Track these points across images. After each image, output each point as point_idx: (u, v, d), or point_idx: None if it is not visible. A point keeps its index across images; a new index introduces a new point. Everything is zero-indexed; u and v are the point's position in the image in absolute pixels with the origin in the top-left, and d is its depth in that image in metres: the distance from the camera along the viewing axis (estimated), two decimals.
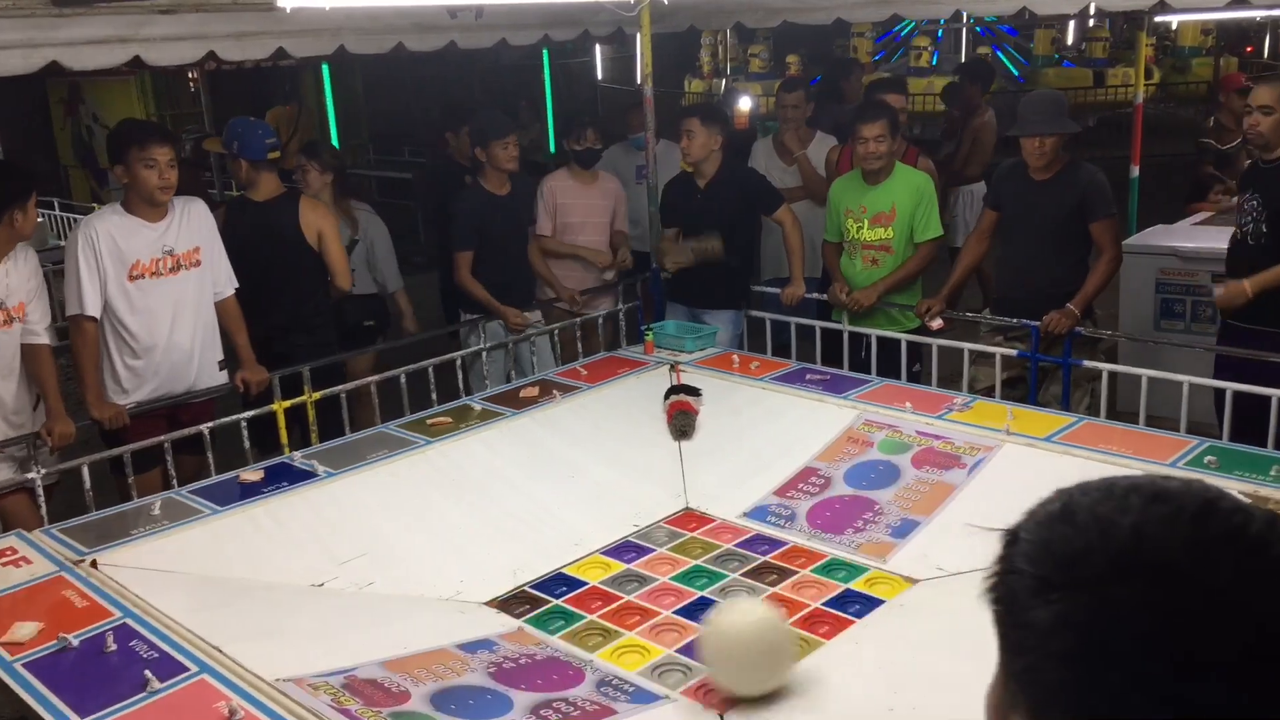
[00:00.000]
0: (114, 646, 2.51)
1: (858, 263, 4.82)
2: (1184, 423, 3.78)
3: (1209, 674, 0.61)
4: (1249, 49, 16.79)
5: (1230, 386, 3.70)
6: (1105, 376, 4.06)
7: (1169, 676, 0.62)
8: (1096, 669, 0.63)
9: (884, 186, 4.75)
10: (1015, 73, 14.55)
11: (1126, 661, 0.63)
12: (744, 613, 2.65)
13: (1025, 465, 3.42)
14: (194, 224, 4.06)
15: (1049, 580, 0.67)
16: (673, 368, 4.38)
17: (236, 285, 4.22)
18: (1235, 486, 3.07)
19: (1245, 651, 0.61)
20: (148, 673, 2.36)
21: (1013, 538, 0.72)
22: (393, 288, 5.48)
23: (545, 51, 10.85)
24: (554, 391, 4.17)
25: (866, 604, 3.03)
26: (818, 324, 4.82)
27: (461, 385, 4.51)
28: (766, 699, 2.54)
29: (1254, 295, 4.02)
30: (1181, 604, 0.63)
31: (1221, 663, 0.61)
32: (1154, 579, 0.64)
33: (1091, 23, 16.06)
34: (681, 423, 4.03)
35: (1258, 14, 16.14)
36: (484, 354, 4.68)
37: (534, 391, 4.18)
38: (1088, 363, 4.19)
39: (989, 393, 4.22)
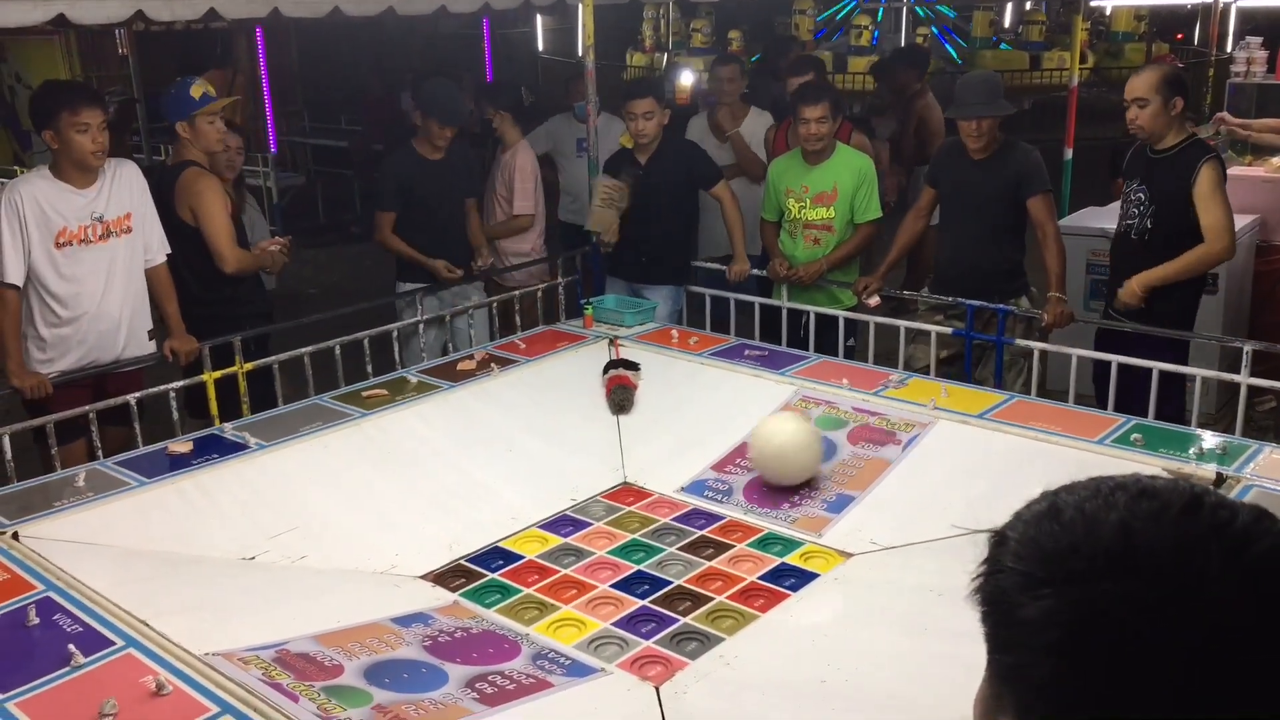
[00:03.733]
0: (36, 620, 2.45)
1: (800, 242, 4.84)
2: (1111, 401, 3.87)
3: (1195, 668, 0.61)
4: (1179, 35, 17.11)
5: (1157, 366, 3.77)
6: (1036, 355, 4.13)
7: (1155, 671, 0.62)
8: (1083, 664, 0.63)
9: (826, 166, 4.77)
10: (954, 54, 14.68)
11: (1113, 656, 0.63)
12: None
13: (957, 442, 3.48)
14: (125, 188, 3.94)
15: (1037, 576, 0.67)
16: (611, 342, 4.37)
17: (169, 251, 4.11)
18: (1160, 463, 3.16)
19: (1230, 646, 0.62)
20: (71, 647, 2.31)
21: (1000, 539, 0.72)
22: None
23: (485, 20, 10.70)
24: (491, 365, 4.14)
25: (801, 578, 3.06)
26: (757, 300, 4.83)
27: (398, 358, 4.45)
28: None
29: (1144, 294, 4.04)
30: (1168, 599, 0.63)
31: (1207, 657, 0.62)
32: (1140, 574, 0.64)
33: (1029, 6, 16.26)
34: (620, 397, 4.02)
35: (1189, 0, 16.49)
36: (420, 327, 4.62)
37: (471, 365, 4.14)
38: (1019, 341, 4.26)
39: (928, 371, 4.27)
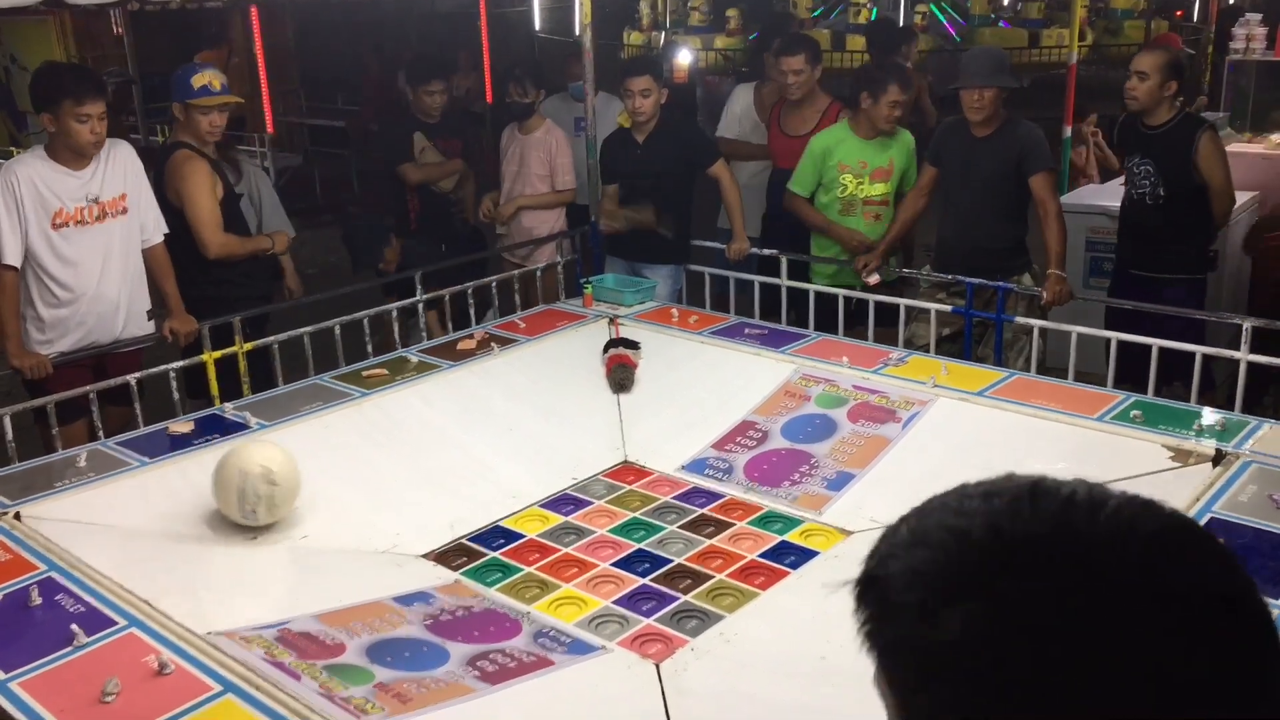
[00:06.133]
0: (39, 600, 2.45)
1: (860, 219, 4.81)
2: (1110, 378, 3.87)
3: (1116, 636, 0.62)
4: (1179, 13, 17.01)
5: (1156, 343, 3.77)
6: (1035, 333, 4.14)
7: (1084, 650, 0.62)
8: (1015, 666, 0.63)
9: (880, 142, 4.76)
10: (952, 32, 14.60)
11: (1039, 654, 0.62)
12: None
13: (958, 419, 3.48)
14: (120, 169, 3.93)
15: (930, 604, 0.66)
16: (612, 321, 4.37)
17: (166, 231, 4.11)
18: (1159, 440, 3.16)
19: (1124, 594, 0.63)
20: (75, 626, 2.32)
21: (868, 582, 0.71)
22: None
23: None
24: (492, 344, 4.14)
25: (801, 555, 3.07)
26: (756, 279, 4.83)
27: (398, 337, 4.44)
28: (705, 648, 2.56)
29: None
30: (1065, 574, 0.64)
31: (1126, 618, 0.62)
32: (1028, 564, 0.65)
33: None
34: (620, 376, 4.02)
35: None
36: (420, 307, 4.60)
37: (471, 344, 4.14)
38: (1019, 319, 4.25)
39: (928, 349, 4.27)
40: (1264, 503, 2.77)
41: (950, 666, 0.64)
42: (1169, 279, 4.42)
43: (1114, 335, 3.91)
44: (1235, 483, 2.89)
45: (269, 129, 10.61)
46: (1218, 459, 3.04)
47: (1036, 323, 4.16)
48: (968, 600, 0.64)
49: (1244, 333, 3.63)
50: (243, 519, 2.96)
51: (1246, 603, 0.65)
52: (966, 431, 3.41)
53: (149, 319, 4.08)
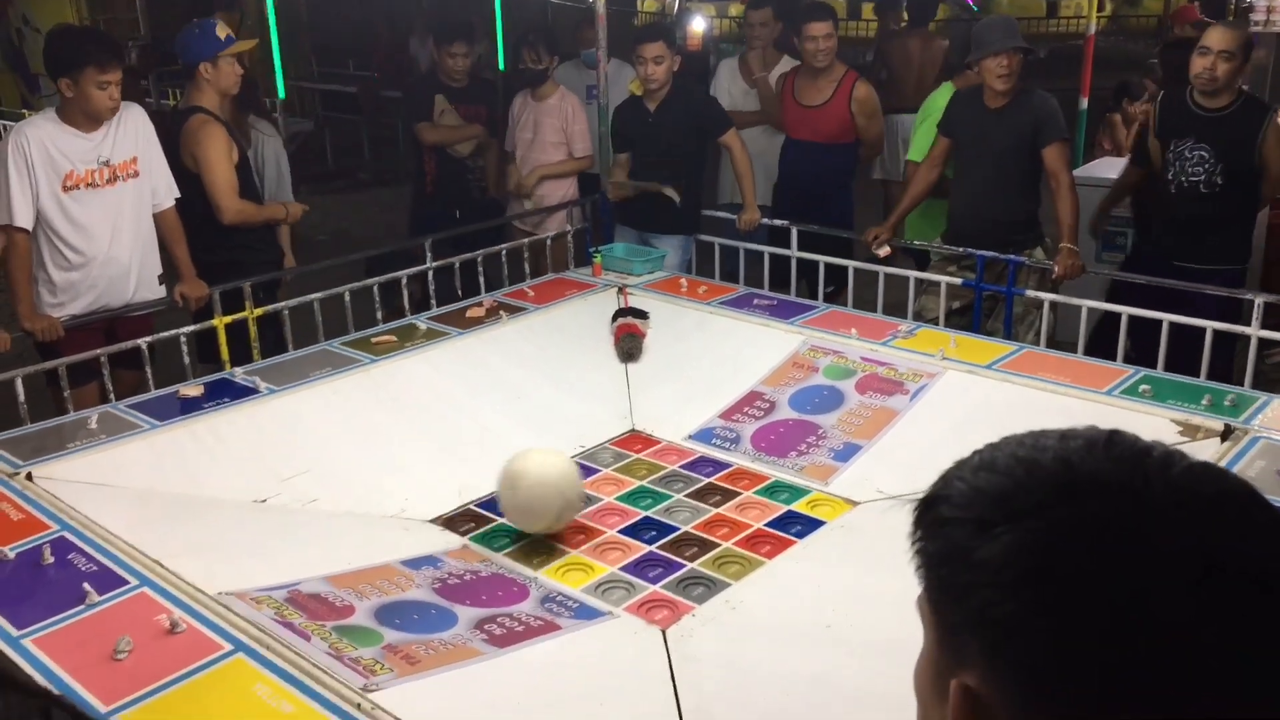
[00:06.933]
0: (51, 559, 2.48)
1: None
2: (1120, 352, 3.86)
3: (1155, 579, 0.63)
4: None
5: (1166, 317, 3.76)
6: (1046, 306, 4.12)
7: (1114, 586, 0.63)
8: (1049, 591, 0.64)
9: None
10: (971, 1, 14.48)
11: (1076, 578, 0.63)
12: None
13: (966, 392, 3.48)
14: (131, 132, 3.93)
15: (988, 519, 0.67)
16: (620, 290, 4.37)
17: (178, 195, 4.11)
18: (1168, 415, 3.16)
19: (1175, 552, 0.63)
20: (86, 585, 2.34)
21: (931, 501, 0.73)
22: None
23: None
24: (501, 312, 4.15)
25: (808, 525, 3.08)
26: (766, 249, 4.81)
27: (407, 303, 4.44)
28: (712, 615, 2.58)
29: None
30: (1123, 515, 0.65)
31: (1156, 566, 0.63)
32: (1088, 497, 0.66)
33: None
34: (628, 345, 4.03)
35: None
36: (430, 273, 4.59)
37: (480, 311, 4.15)
38: (1030, 292, 4.24)
39: (938, 322, 4.25)
40: (1271, 478, 2.77)
41: (993, 582, 0.66)
42: (1217, 270, 4.13)
43: (1125, 310, 3.89)
44: (1243, 458, 2.89)
45: (280, 93, 10.57)
46: (1226, 434, 3.04)
47: (1047, 296, 4.14)
48: (1025, 520, 0.66)
49: (1255, 308, 3.62)
50: (547, 530, 3.02)
51: None
52: (975, 404, 3.42)
53: (160, 283, 4.10)
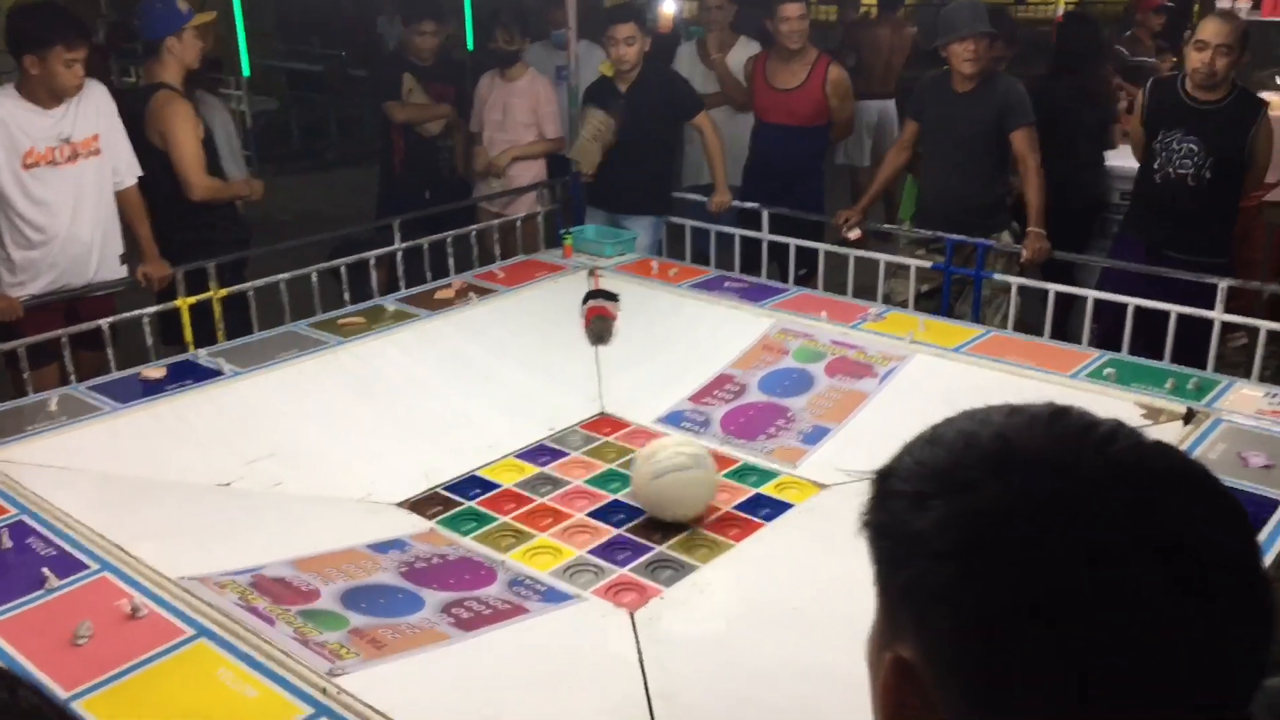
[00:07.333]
0: (9, 544, 2.44)
1: None
2: (1085, 336, 3.89)
3: (1072, 550, 0.63)
4: None
5: (1132, 302, 3.79)
6: (1014, 290, 4.14)
7: (1045, 560, 0.63)
8: (977, 562, 0.65)
9: None
10: None
11: (1007, 550, 0.64)
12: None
13: (934, 375, 3.49)
14: (92, 110, 3.86)
15: (925, 493, 0.69)
16: (591, 272, 4.35)
17: (140, 173, 4.05)
18: (1132, 397, 3.18)
19: (1103, 523, 0.64)
20: (46, 570, 2.31)
21: (885, 473, 0.75)
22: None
23: None
24: (470, 294, 4.12)
25: (776, 508, 3.09)
26: (737, 231, 4.80)
27: (375, 285, 4.40)
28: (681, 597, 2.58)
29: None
30: (1045, 489, 0.66)
31: (1083, 538, 0.63)
32: (1023, 471, 0.67)
33: None
34: (599, 327, 4.01)
35: None
36: (399, 254, 4.55)
37: (450, 293, 4.12)
38: (998, 275, 4.26)
39: (907, 305, 4.26)
40: (1233, 460, 2.80)
41: (923, 553, 0.67)
42: (1205, 262, 4.04)
43: (1090, 294, 3.92)
44: (1205, 440, 2.92)
45: (245, 71, 10.43)
46: (1188, 417, 3.06)
47: (1015, 280, 4.17)
48: (957, 494, 0.67)
49: (1219, 292, 3.65)
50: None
51: (1230, 566, 0.65)
52: (943, 387, 3.42)
53: (122, 263, 4.03)
